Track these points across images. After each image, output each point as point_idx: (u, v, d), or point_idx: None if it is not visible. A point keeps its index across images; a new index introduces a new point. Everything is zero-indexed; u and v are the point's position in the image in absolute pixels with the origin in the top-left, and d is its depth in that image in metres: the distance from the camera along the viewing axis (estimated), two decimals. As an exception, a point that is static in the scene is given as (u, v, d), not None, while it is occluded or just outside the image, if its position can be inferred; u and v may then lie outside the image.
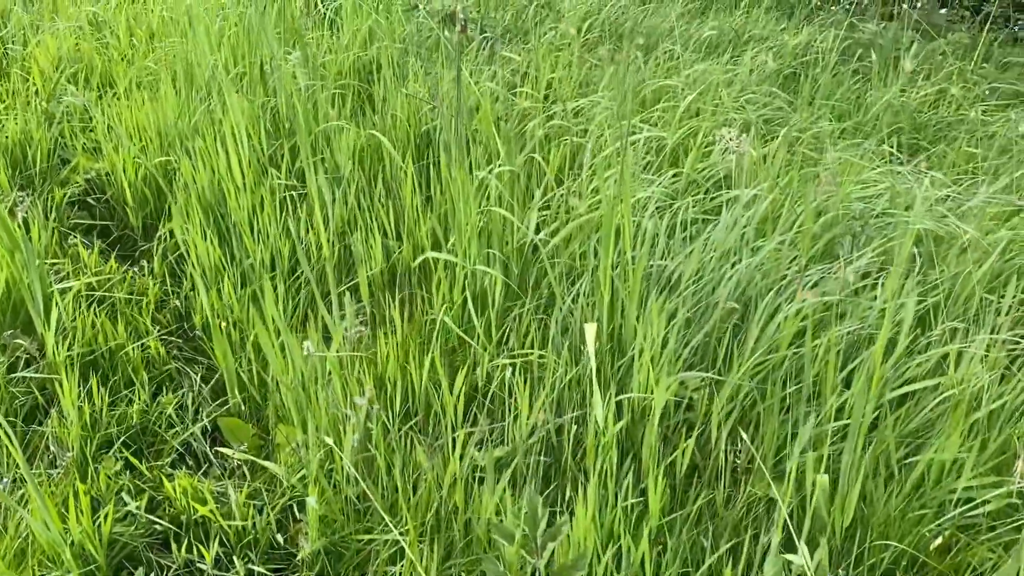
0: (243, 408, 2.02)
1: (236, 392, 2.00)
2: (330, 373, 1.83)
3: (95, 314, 2.04)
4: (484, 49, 3.17)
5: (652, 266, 1.92)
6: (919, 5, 5.59)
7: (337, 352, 1.84)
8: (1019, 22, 5.60)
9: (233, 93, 2.38)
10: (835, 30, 4.48)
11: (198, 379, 2.09)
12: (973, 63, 3.90)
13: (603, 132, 2.49)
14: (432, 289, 2.12)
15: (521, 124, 2.76)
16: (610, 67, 2.93)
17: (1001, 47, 4.61)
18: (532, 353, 1.88)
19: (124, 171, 2.54)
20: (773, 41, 4.32)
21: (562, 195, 2.24)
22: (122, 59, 3.40)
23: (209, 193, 2.45)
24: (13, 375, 1.92)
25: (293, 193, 2.53)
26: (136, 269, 2.42)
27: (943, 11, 5.55)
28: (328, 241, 2.40)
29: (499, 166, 2.17)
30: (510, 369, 1.85)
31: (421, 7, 3.23)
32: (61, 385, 1.84)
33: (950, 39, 4.06)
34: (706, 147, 2.65)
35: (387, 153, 2.68)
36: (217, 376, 2.10)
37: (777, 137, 2.88)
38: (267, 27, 2.85)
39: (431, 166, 2.75)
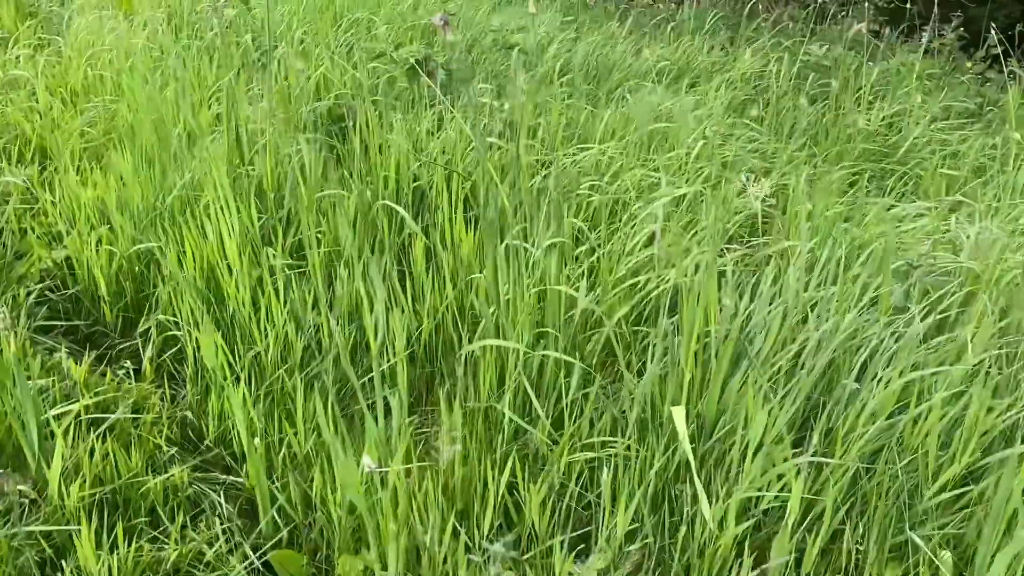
0: (281, 533, 1.78)
1: (273, 517, 1.76)
2: (396, 490, 1.62)
3: (100, 440, 1.76)
4: (462, 97, 3.00)
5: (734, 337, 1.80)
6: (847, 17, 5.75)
7: (401, 466, 1.64)
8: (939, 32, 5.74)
9: (221, 166, 2.13)
10: (778, 54, 4.53)
11: (222, 501, 1.83)
12: (918, 81, 3.99)
13: (626, 185, 2.37)
14: (480, 376, 1.94)
15: (528, 179, 2.60)
16: (604, 111, 2.82)
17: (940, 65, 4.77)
18: (617, 442, 1.72)
19: (95, 261, 2.24)
20: (724, 70, 4.32)
21: (602, 257, 2.10)
22: (55, 126, 3.05)
23: (200, 280, 2.19)
24: (13, 529, 1.63)
25: (292, 272, 2.29)
26: (120, 372, 2.13)
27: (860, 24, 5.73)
28: (341, 325, 2.19)
29: (545, 235, 2.00)
30: (594, 463, 1.70)
31: (389, 54, 3.03)
32: (74, 534, 1.57)
33: (897, 58, 4.15)
34: (716, 193, 2.56)
35: (385, 218, 2.48)
36: (243, 497, 1.86)
37: (773, 173, 2.84)
38: (239, 90, 2.59)
39: (430, 228, 2.57)
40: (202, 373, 2.08)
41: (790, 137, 3.59)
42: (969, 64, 5.19)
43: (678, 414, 1.63)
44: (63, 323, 2.24)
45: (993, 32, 5.19)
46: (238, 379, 2.07)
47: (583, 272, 2.05)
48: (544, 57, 3.39)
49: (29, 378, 1.80)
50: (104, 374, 2.02)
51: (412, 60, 2.96)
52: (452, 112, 2.79)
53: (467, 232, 2.33)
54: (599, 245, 2.12)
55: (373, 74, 3.44)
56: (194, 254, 2.18)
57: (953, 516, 1.63)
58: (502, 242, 2.10)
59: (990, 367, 1.75)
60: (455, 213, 2.47)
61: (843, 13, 6.22)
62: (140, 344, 2.20)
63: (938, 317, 1.88)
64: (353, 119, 3.25)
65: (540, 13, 5.25)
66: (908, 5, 5.78)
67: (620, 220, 2.29)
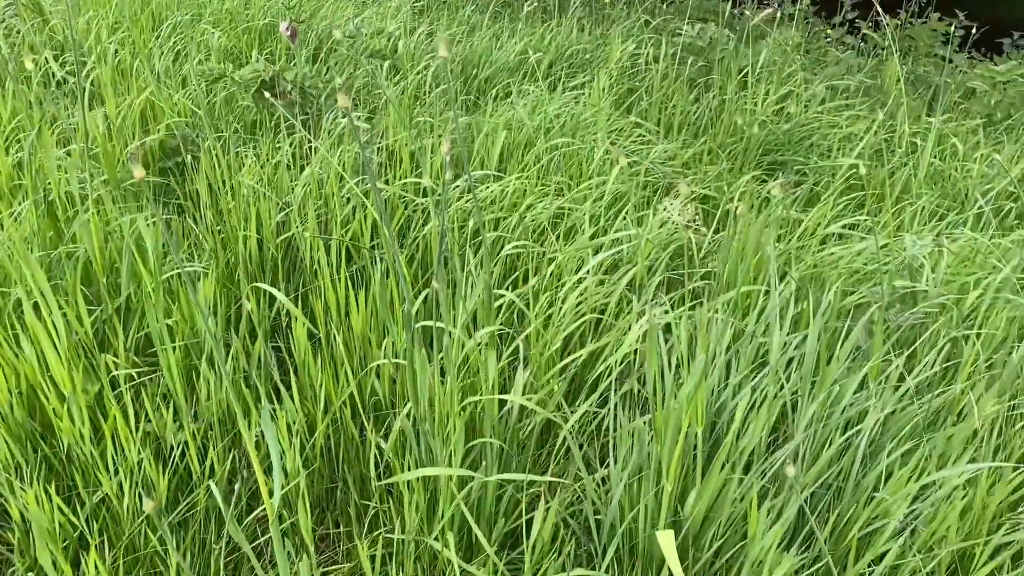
0: None
1: None
2: None
3: None
4: (328, 120, 2.55)
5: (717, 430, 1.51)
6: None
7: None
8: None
9: (34, 264, 1.61)
10: (649, 34, 4.29)
11: None
12: (805, 60, 3.85)
13: (539, 222, 2.01)
14: (405, 503, 1.55)
15: (417, 227, 2.20)
16: (488, 122, 2.44)
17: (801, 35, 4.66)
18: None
19: None
20: (597, 59, 4.03)
21: (532, 332, 1.74)
22: None
23: (20, 412, 1.68)
24: None
25: (142, 380, 1.82)
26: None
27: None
28: (213, 440, 1.74)
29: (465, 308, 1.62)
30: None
31: (229, 75, 2.53)
32: None
33: (776, 38, 3.99)
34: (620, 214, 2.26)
35: (250, 288, 2.03)
36: None
37: (683, 183, 2.57)
38: (44, 138, 2.04)
39: (309, 294, 2.14)
40: (34, 547, 1.59)
41: (679, 131, 3.35)
42: (828, 31, 5.15)
43: (668, 544, 1.32)
44: None
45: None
46: (85, 540, 1.60)
47: (516, 352, 1.70)
48: (405, 60, 2.96)
49: None
50: None
51: (258, 81, 2.47)
52: (318, 145, 2.34)
53: (357, 302, 1.92)
54: (525, 307, 1.76)
55: (209, 92, 2.92)
56: (7, 376, 1.66)
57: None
58: (409, 314, 1.71)
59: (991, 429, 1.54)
60: (337, 274, 2.05)
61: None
62: (-57, 502, 1.67)
63: (926, 373, 1.65)
64: (191, 152, 2.74)
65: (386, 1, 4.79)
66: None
67: (542, 273, 1.94)
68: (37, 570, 1.57)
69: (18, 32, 3.35)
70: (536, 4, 5.31)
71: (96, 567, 1.47)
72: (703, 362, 1.29)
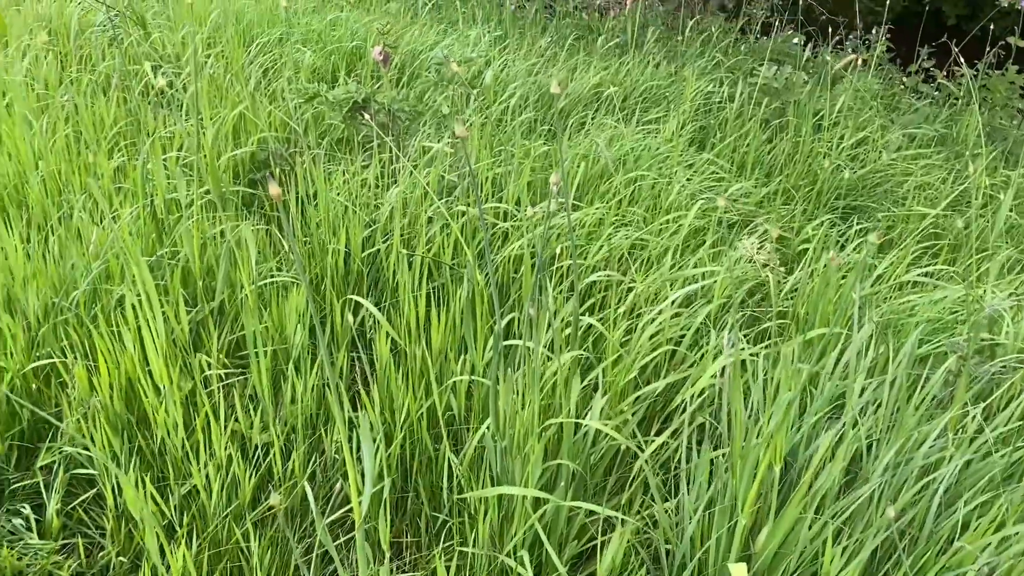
0: None
1: None
2: None
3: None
4: (408, 140, 2.63)
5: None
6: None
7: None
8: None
9: (143, 264, 1.71)
10: (723, 73, 4.32)
11: None
12: (879, 106, 3.85)
13: (619, 252, 2.06)
14: (479, 519, 1.59)
15: (498, 248, 2.27)
16: (563, 152, 2.50)
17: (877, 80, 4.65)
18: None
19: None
20: (670, 95, 4.07)
21: (609, 363, 1.78)
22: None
23: (118, 402, 1.77)
24: None
25: (232, 380, 1.90)
26: (18, 522, 1.70)
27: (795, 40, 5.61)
28: (296, 444, 1.81)
29: (547, 331, 1.67)
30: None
31: (324, 95, 2.63)
32: None
33: (852, 83, 3.99)
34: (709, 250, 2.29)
35: (335, 298, 2.10)
36: None
37: (756, 223, 2.59)
38: (154, 149, 2.15)
39: (390, 309, 2.21)
40: (127, 524, 1.67)
41: (752, 171, 3.37)
42: (904, 79, 5.13)
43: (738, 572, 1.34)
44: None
45: (925, 47, 5.14)
46: (172, 529, 1.68)
47: (596, 381, 1.74)
48: (491, 88, 3.04)
49: None
50: (0, 543, 1.58)
51: (351, 102, 2.57)
52: (406, 165, 2.42)
53: (437, 318, 1.99)
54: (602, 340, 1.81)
55: (299, 111, 3.03)
56: (109, 370, 1.75)
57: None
58: (484, 330, 1.77)
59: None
60: (418, 290, 2.12)
61: (772, 21, 6.11)
62: (42, 484, 1.76)
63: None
64: (280, 166, 2.85)
65: (468, 28, 4.91)
66: (838, 17, 5.71)
67: (619, 302, 1.98)
68: (129, 554, 1.65)
69: (121, 42, 3.53)
70: (611, 38, 5.39)
71: (184, 557, 1.54)
72: (787, 400, 1.32)
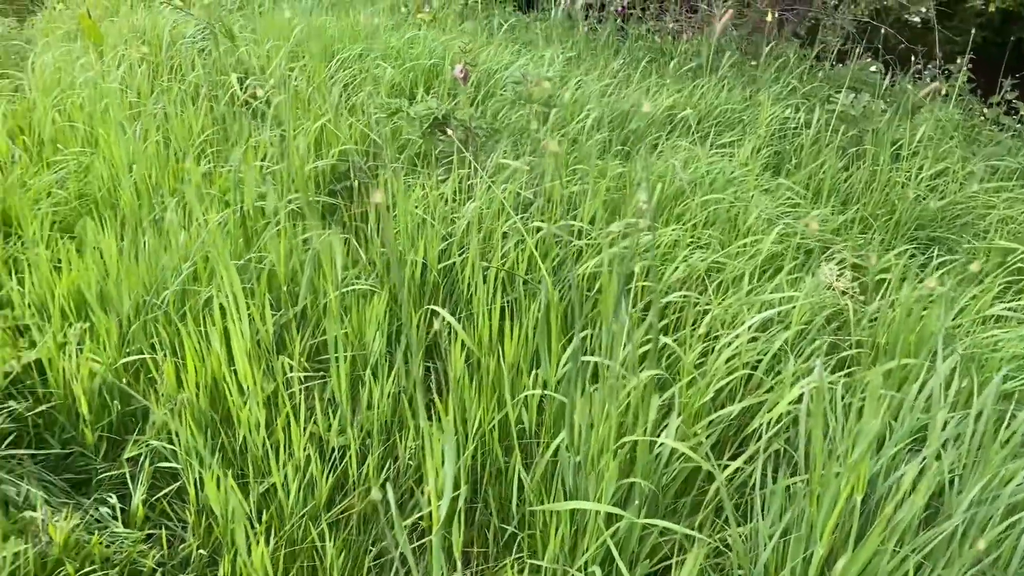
0: None
1: None
2: None
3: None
4: (486, 156, 2.67)
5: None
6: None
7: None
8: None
9: (232, 267, 1.77)
10: (798, 100, 4.29)
11: None
12: (959, 137, 3.77)
13: (696, 273, 2.06)
14: (550, 533, 1.60)
15: (569, 264, 2.28)
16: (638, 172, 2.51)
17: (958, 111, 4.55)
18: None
19: (74, 373, 1.87)
20: (744, 119, 4.05)
21: (685, 382, 1.78)
22: (19, 184, 2.65)
23: (203, 399, 1.83)
24: None
25: (311, 383, 1.95)
26: (104, 510, 1.76)
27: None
28: (371, 447, 1.84)
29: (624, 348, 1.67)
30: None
31: (404, 110, 2.69)
32: None
33: (932, 112, 3.92)
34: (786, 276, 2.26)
35: (412, 308, 2.14)
36: None
37: (836, 250, 2.56)
38: (247, 156, 2.23)
39: (464, 321, 2.24)
40: (208, 518, 1.72)
41: (827, 198, 3.33)
42: (985, 111, 5.01)
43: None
44: (32, 451, 1.86)
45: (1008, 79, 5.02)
46: (251, 525, 1.72)
47: (672, 400, 1.73)
48: (566, 109, 3.07)
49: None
50: (90, 529, 1.64)
51: (432, 118, 2.62)
52: (484, 180, 2.46)
53: (511, 332, 2.00)
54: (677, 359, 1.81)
55: (379, 125, 3.10)
56: (197, 368, 1.82)
57: None
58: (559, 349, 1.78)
59: None
60: (492, 305, 2.15)
61: (847, 49, 6.04)
62: (128, 474, 1.83)
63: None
64: (360, 178, 2.92)
65: (542, 49, 4.97)
66: (917, 47, 5.62)
67: (694, 324, 1.98)
68: (208, 548, 1.70)
69: (210, 54, 3.66)
70: (683, 61, 5.39)
71: (263, 554, 1.58)
72: (873, 430, 1.30)
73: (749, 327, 1.81)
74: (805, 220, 2.38)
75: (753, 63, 5.49)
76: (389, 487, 1.39)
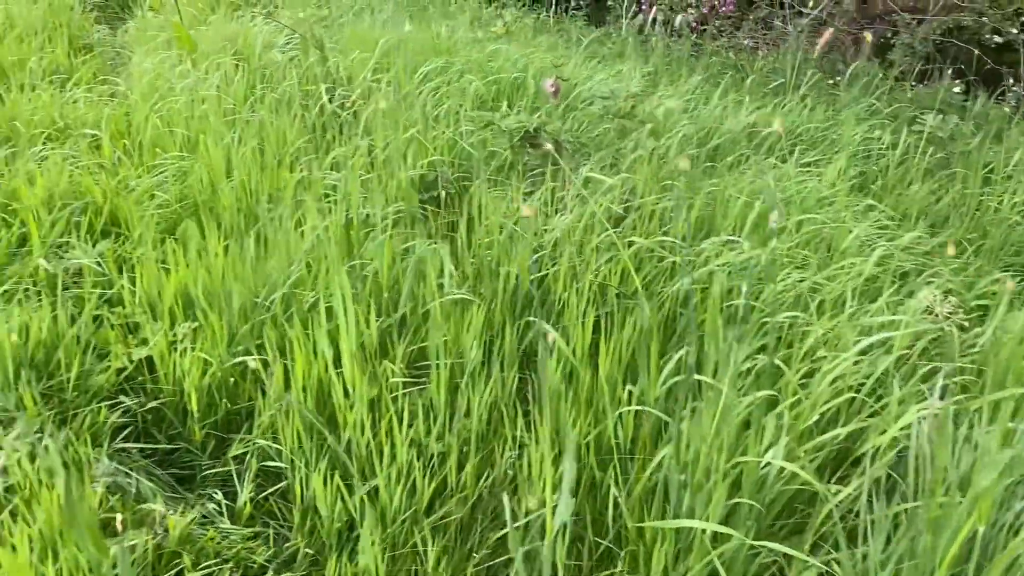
0: None
1: None
2: None
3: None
4: (574, 170, 2.69)
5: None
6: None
7: None
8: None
9: (343, 272, 1.81)
10: (880, 120, 4.22)
11: None
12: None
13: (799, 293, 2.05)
14: (654, 553, 1.60)
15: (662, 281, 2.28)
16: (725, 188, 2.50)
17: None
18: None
19: (185, 369, 1.93)
20: (825, 136, 4.00)
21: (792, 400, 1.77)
22: (122, 187, 2.75)
23: (310, 401, 1.87)
24: None
25: (412, 389, 1.97)
26: (210, 504, 1.81)
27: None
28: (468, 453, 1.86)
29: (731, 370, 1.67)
30: None
31: (496, 123, 2.73)
32: None
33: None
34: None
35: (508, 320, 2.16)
36: None
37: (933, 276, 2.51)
38: (354, 166, 2.29)
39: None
40: (313, 518, 1.76)
41: (916, 221, 3.27)
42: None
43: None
44: (143, 445, 1.92)
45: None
46: (351, 527, 1.76)
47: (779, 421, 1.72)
48: (660, 124, 3.07)
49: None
50: (203, 523, 1.69)
51: (523, 131, 2.65)
52: (576, 193, 2.48)
53: (605, 346, 2.01)
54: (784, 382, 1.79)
55: (467, 136, 3.14)
56: (305, 370, 1.86)
57: None
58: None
59: None
60: (585, 318, 2.16)
61: (928, 69, 5.93)
62: (234, 472, 1.88)
63: None
64: (446, 189, 2.95)
65: (618, 62, 4.98)
66: (1002, 68, 5.50)
67: (794, 344, 1.96)
68: (314, 547, 1.73)
69: (300, 63, 3.75)
70: (760, 78, 5.35)
71: (376, 557, 1.61)
72: (1004, 459, 1.27)
73: (856, 350, 1.79)
74: (901, 242, 2.35)
75: (830, 81, 5.43)
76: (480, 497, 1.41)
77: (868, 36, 5.14)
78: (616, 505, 1.81)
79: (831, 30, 3.76)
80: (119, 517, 1.41)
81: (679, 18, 6.58)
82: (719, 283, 1.64)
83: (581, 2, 7.47)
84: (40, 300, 2.07)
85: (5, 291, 2.14)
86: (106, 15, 6.03)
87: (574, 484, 1.44)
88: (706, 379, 1.64)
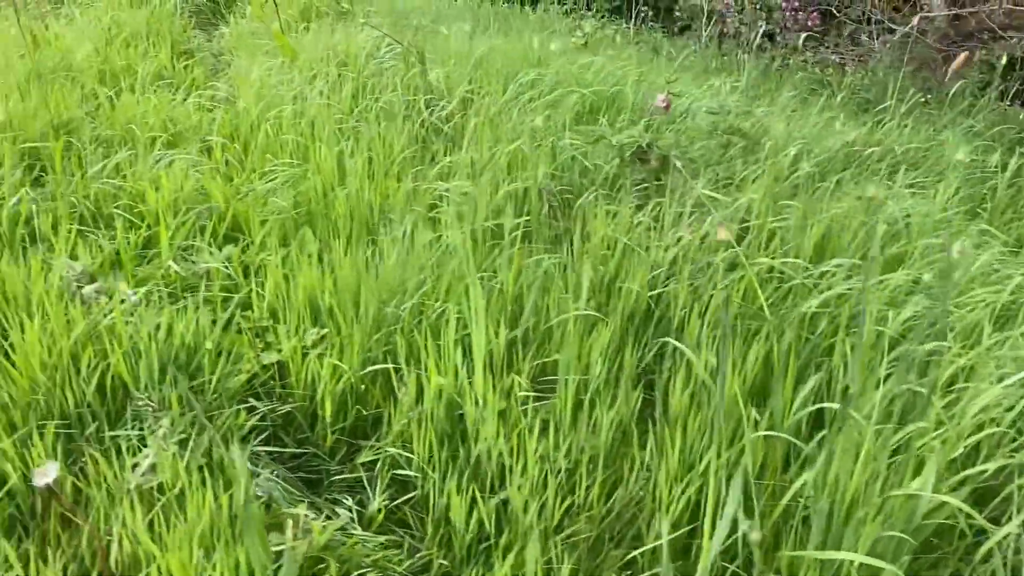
0: None
1: None
2: None
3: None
4: (684, 186, 2.67)
5: None
6: None
7: None
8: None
9: (478, 284, 1.83)
10: (985, 142, 4.12)
11: None
12: None
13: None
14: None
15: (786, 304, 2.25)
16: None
17: None
18: None
19: (320, 375, 1.96)
20: (928, 157, 3.92)
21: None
22: (237, 191, 2.82)
23: (440, 410, 1.89)
24: None
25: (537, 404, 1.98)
26: (339, 510, 1.84)
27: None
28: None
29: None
30: None
31: (608, 138, 2.73)
32: None
33: None
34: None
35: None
36: None
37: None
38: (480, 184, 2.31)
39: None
40: (445, 527, 1.78)
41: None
42: None
43: None
44: (275, 448, 1.96)
45: None
46: (483, 539, 1.77)
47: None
48: (776, 141, 3.05)
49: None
50: (340, 526, 1.72)
51: (636, 145, 2.65)
52: (690, 211, 2.46)
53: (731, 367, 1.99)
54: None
55: (571, 149, 3.14)
56: (439, 380, 1.88)
57: None
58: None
59: None
60: (708, 335, 2.14)
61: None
62: (365, 479, 1.90)
63: None
64: (550, 202, 2.96)
65: (705, 75, 4.95)
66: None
67: (935, 374, 1.91)
68: (446, 558, 1.75)
69: (403, 74, 3.80)
70: (850, 95, 5.27)
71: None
72: None
73: (1005, 384, 1.74)
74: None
75: (923, 100, 5.31)
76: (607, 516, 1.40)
77: (963, 55, 5.03)
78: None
79: (965, 53, 3.66)
80: (290, 521, 1.44)
81: (760, 30, 6.49)
82: (872, 310, 1.61)
83: (650, 11, 7.46)
84: (175, 301, 2.13)
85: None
86: (199, 21, 6.19)
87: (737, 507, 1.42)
88: (853, 413, 1.61)
